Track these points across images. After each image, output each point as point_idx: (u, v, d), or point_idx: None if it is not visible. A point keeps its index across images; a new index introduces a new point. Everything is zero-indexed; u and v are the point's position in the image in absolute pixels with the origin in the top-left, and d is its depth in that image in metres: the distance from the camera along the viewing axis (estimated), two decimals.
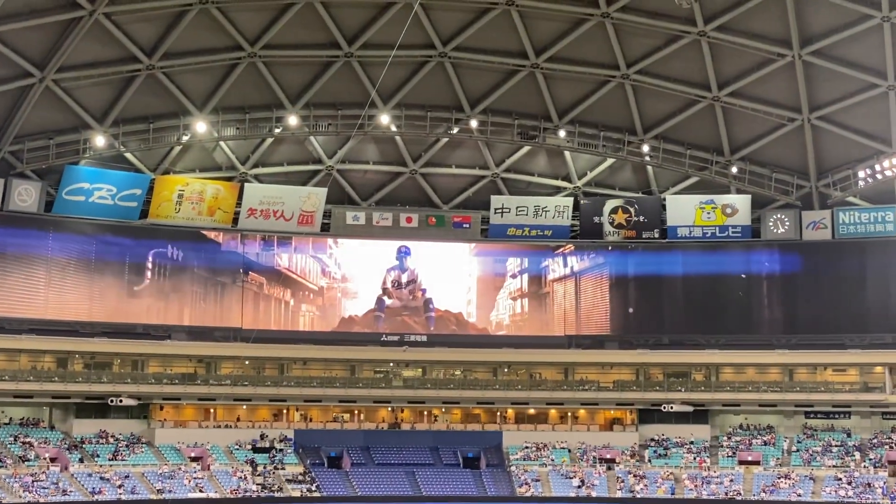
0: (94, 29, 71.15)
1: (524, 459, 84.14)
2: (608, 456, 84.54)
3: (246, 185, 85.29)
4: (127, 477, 76.01)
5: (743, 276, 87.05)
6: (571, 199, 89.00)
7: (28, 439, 77.91)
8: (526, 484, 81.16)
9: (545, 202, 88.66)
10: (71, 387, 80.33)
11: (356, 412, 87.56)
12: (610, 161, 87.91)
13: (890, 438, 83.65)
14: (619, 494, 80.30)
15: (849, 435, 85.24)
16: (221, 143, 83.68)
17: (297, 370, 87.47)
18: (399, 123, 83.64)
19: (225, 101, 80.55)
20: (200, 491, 76.95)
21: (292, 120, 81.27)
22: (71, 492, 73.43)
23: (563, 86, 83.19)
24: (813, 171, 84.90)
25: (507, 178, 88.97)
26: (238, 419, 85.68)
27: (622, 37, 78.42)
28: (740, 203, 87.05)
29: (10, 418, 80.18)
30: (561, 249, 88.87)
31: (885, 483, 78.45)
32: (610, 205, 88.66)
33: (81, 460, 77.35)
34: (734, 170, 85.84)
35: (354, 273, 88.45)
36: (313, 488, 79.47)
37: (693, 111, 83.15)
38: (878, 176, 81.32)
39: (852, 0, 72.12)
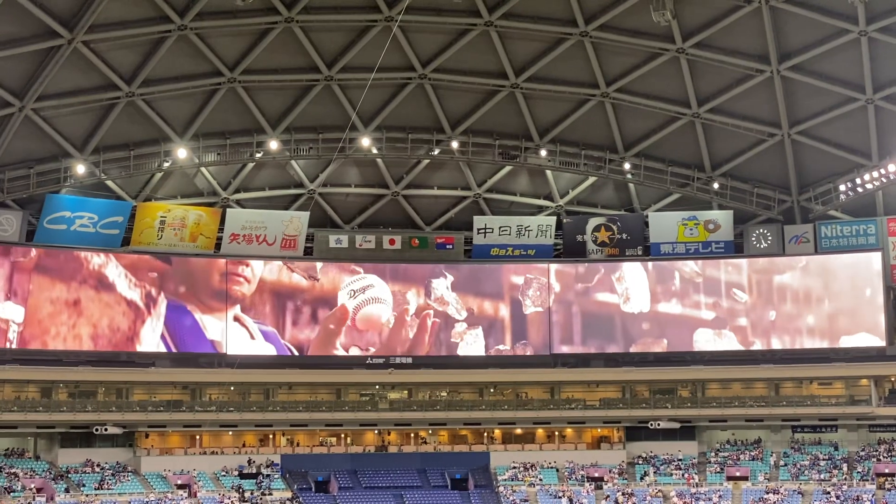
0: (72, 57, 71.05)
1: (512, 479, 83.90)
2: (596, 474, 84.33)
3: (228, 210, 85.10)
4: None
5: None
6: (554, 217, 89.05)
7: (13, 470, 77.38)
8: None
9: (528, 221, 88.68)
10: (55, 416, 79.79)
11: (343, 436, 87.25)
12: (592, 179, 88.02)
13: (877, 451, 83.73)
14: None
15: (836, 448, 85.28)
16: (202, 168, 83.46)
17: (283, 395, 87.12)
18: (380, 146, 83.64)
19: (205, 127, 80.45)
20: None
21: (273, 144, 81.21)
22: None
23: (543, 105, 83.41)
24: (794, 186, 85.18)
25: (489, 198, 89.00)
26: (225, 445, 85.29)
27: (601, 55, 78.72)
28: (722, 219, 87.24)
29: None
30: None
31: (873, 496, 78.47)
32: (593, 223, 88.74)
33: (67, 490, 76.82)
34: (716, 186, 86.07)
35: None
36: None
37: (673, 128, 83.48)
38: (859, 189, 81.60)
39: (829, 15, 72.55)
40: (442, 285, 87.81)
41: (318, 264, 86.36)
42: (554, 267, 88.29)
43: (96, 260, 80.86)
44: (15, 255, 78.37)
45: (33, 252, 78.96)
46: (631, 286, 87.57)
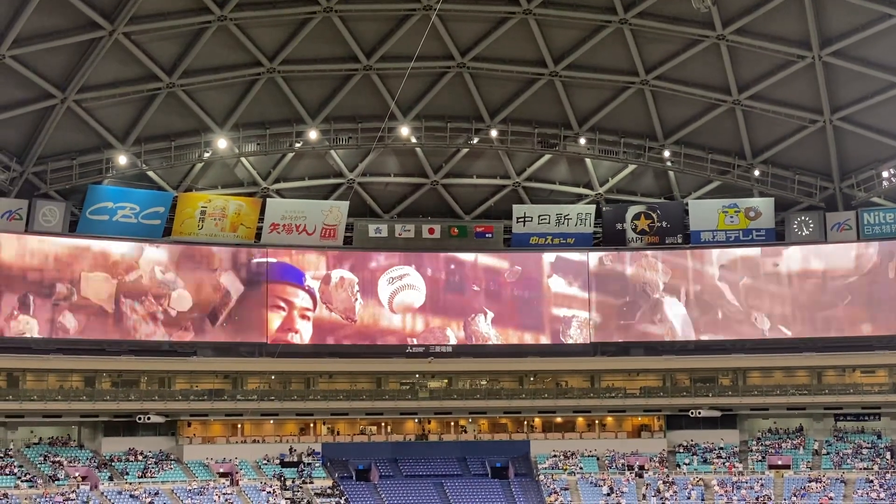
0: (114, 49, 71.63)
1: (552, 468, 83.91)
2: (637, 463, 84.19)
3: (268, 200, 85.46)
4: (157, 494, 76.14)
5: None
6: (594, 206, 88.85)
7: (58, 458, 78.23)
8: (555, 493, 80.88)
9: (567, 210, 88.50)
10: (99, 405, 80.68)
11: (383, 424, 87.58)
12: (631, 167, 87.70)
13: None
14: (652, 502, 79.89)
15: (879, 437, 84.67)
16: (242, 159, 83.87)
17: (324, 384, 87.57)
18: (419, 135, 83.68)
19: (245, 117, 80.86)
20: None
21: (312, 134, 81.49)
22: None
23: (582, 93, 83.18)
24: (836, 173, 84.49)
25: (528, 186, 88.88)
26: (266, 434, 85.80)
27: (641, 42, 78.34)
28: (763, 206, 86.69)
29: (40, 438, 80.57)
30: None
31: None
32: (632, 211, 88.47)
33: (111, 478, 77.56)
34: (756, 173, 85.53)
35: None
36: (342, 501, 79.41)
37: (713, 115, 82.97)
38: None
39: (871, 0, 71.90)
40: (482, 321, 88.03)
41: (357, 304, 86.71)
42: (595, 298, 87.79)
43: (144, 328, 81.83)
44: (57, 297, 79.32)
45: (75, 297, 79.80)
46: (675, 324, 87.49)
